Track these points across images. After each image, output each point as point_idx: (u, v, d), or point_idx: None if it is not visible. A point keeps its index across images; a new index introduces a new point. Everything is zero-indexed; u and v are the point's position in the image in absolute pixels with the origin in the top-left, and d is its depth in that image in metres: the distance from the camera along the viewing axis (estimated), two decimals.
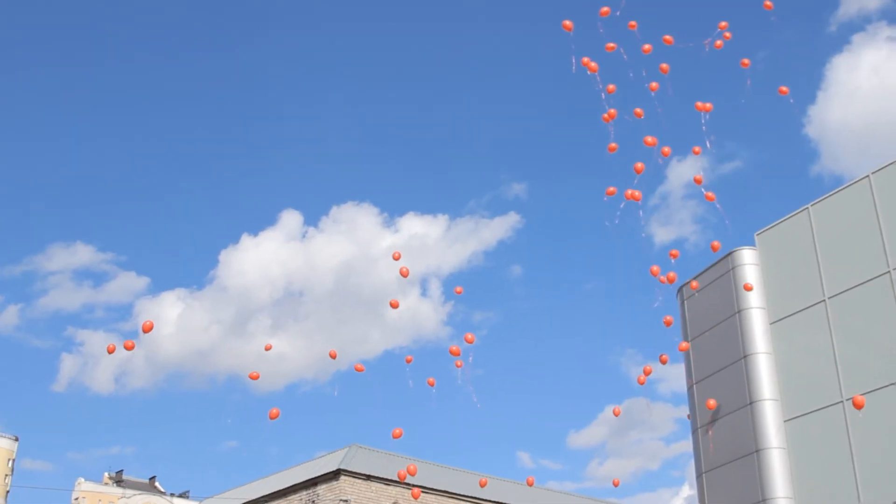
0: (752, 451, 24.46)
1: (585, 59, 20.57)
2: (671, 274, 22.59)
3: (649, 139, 21.06)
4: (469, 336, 22.68)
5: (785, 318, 25.20)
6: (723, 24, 21.92)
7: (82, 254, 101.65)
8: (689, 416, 27.93)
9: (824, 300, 24.26)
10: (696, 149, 22.23)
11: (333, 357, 23.21)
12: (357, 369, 22.73)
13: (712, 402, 24.72)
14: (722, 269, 26.92)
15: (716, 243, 23.84)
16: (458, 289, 25.88)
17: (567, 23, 20.33)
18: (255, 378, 23.03)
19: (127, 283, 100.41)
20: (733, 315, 26.06)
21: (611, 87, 20.83)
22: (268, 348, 24.41)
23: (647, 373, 22.66)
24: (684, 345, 23.87)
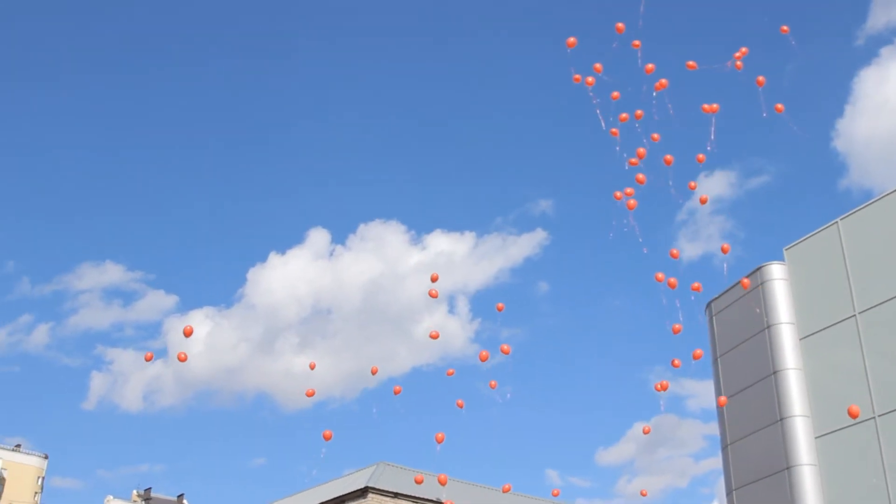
0: (782, 469, 24.22)
1: (590, 79, 20.71)
2: (672, 280, 22.57)
3: (668, 157, 21.19)
4: (505, 347, 22.92)
5: (815, 333, 24.98)
6: (744, 49, 22.02)
7: (112, 273, 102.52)
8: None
9: (854, 315, 24.03)
10: (700, 156, 22.26)
11: (374, 373, 24.01)
12: (395, 391, 23.25)
13: (723, 399, 24.11)
14: (751, 285, 26.71)
15: (745, 280, 23.78)
16: (500, 305, 25.98)
17: (571, 40, 20.58)
18: (310, 395, 23.85)
19: (156, 302, 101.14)
20: (762, 331, 25.85)
21: (615, 94, 20.89)
22: (312, 367, 25.20)
23: (663, 387, 22.68)
24: (699, 352, 23.60)
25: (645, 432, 27.02)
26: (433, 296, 23.56)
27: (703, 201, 22.39)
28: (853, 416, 19.99)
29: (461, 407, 23.11)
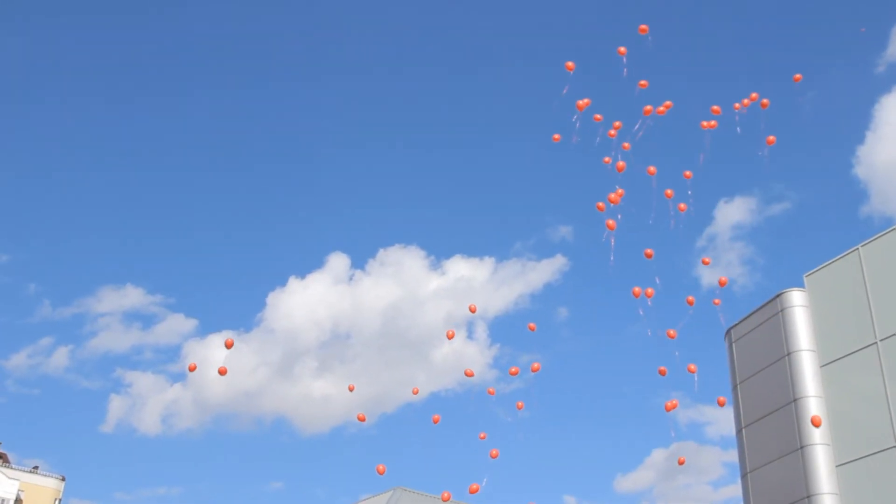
0: (803, 497, 23.94)
1: (598, 116, 21.19)
2: (649, 290, 22.77)
3: (669, 192, 21.80)
4: (535, 365, 23.35)
5: (835, 360, 24.76)
6: (753, 94, 22.54)
7: (132, 296, 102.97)
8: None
9: (876, 342, 23.81)
10: (687, 173, 22.60)
11: (416, 392, 25.03)
12: (434, 420, 24.04)
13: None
14: (771, 311, 26.55)
15: (648, 251, 23.52)
16: (532, 325, 26.44)
17: (569, 64, 21.09)
18: (362, 420, 25.22)
19: (175, 325, 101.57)
20: (783, 358, 25.65)
21: (617, 124, 21.39)
22: (351, 389, 26.88)
23: (671, 407, 22.79)
24: (692, 367, 23.48)
25: (680, 463, 26.60)
26: (450, 336, 24.25)
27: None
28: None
29: (483, 439, 23.53)
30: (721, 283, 24.00)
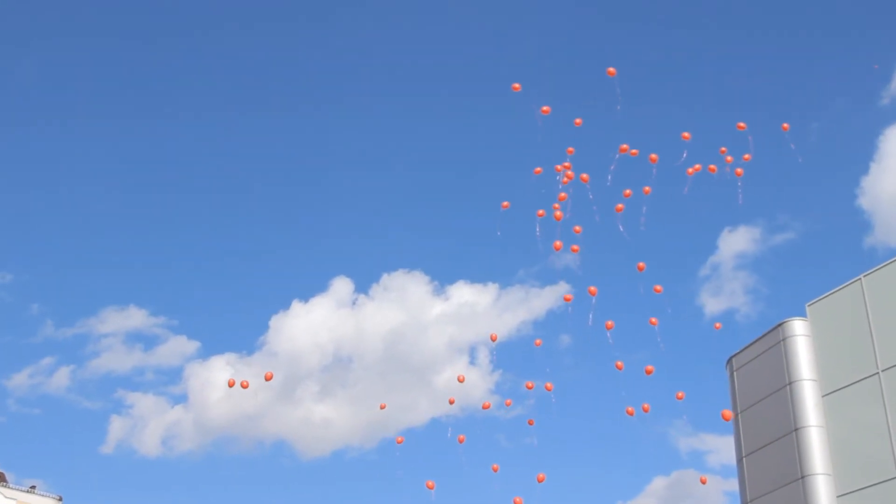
0: None
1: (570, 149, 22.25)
2: (644, 406, 23.90)
3: (641, 265, 23.17)
4: (548, 385, 23.96)
5: (837, 390, 24.69)
6: (722, 149, 23.69)
7: (135, 317, 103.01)
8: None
9: (878, 373, 23.76)
10: (647, 188, 23.28)
11: (452, 402, 25.60)
12: (460, 440, 24.78)
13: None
14: (772, 340, 26.51)
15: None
16: (538, 341, 27.06)
17: (545, 108, 22.02)
18: (399, 442, 26.64)
19: (177, 347, 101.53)
20: (784, 387, 25.58)
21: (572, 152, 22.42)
22: (382, 407, 28.04)
23: (632, 412, 23.60)
24: (649, 368, 23.87)
25: (702, 482, 27.31)
26: (461, 380, 25.08)
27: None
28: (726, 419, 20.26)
29: (496, 471, 24.18)
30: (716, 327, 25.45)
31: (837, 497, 23.73)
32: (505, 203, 22.74)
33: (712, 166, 23.23)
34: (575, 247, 23.26)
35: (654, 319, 23.31)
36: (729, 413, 23.18)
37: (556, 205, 22.50)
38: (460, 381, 25.49)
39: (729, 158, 22.82)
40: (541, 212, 22.42)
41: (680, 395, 22.74)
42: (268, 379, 23.10)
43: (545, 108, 22.02)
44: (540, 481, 22.79)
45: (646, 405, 23.05)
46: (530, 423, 23.96)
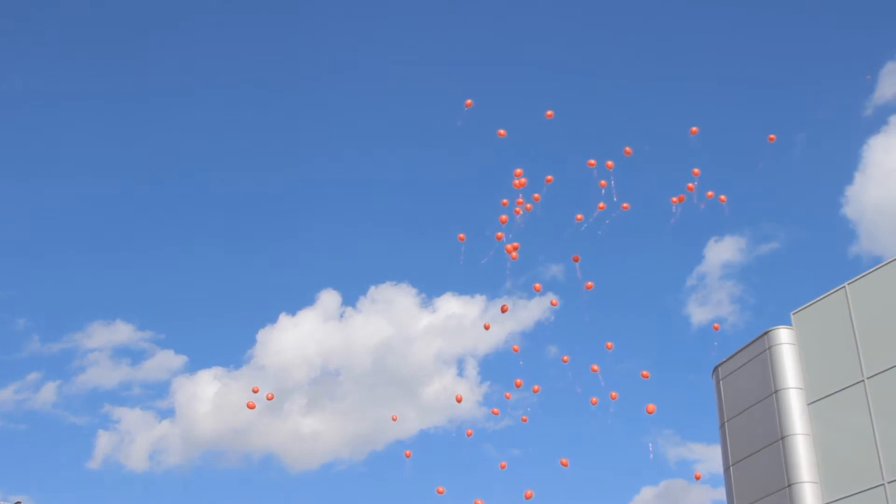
0: None
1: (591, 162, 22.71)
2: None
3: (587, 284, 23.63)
4: (536, 387, 24.34)
5: (823, 398, 24.74)
6: (695, 170, 24.31)
7: (122, 332, 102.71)
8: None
9: (863, 380, 23.82)
10: (625, 205, 23.82)
11: (395, 419, 26.62)
12: (406, 455, 25.61)
13: None
14: (758, 349, 26.56)
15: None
16: (516, 347, 27.52)
17: (501, 131, 22.78)
18: (407, 456, 27.40)
19: (164, 361, 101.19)
20: (770, 395, 25.62)
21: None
22: (394, 419, 28.91)
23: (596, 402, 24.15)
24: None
25: (696, 478, 28.40)
26: (458, 400, 25.62)
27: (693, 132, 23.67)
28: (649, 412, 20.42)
29: (503, 468, 24.95)
30: (715, 328, 25.71)
31: None
32: (461, 235, 23.58)
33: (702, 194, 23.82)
34: (576, 256, 23.81)
35: (645, 373, 24.24)
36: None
37: (519, 202, 23.16)
38: (458, 400, 26.09)
39: (709, 193, 23.41)
40: (499, 234, 23.12)
41: (651, 408, 23.08)
42: (269, 399, 24.02)
43: (468, 101, 22.95)
44: (528, 498, 22.92)
45: (613, 393, 23.35)
46: (524, 420, 24.43)
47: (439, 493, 24.40)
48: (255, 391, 23.76)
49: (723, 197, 24.01)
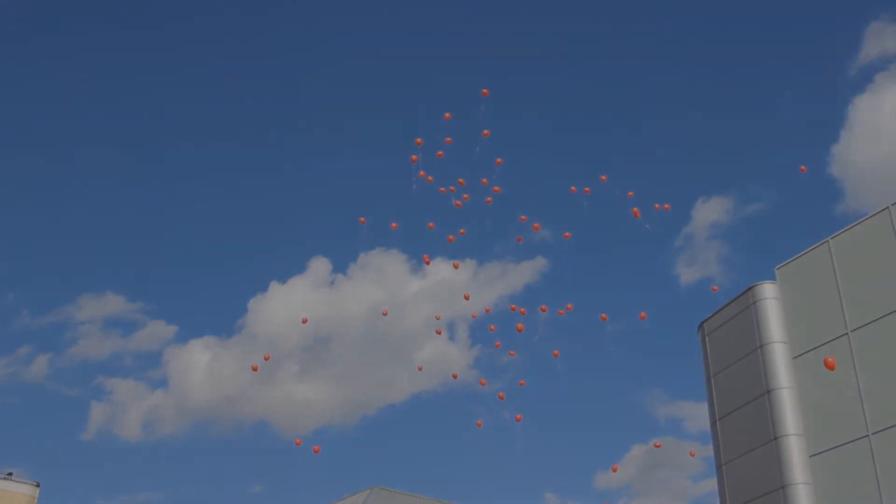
0: (777, 488, 24.09)
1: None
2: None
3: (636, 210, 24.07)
4: (520, 379, 24.92)
5: (807, 352, 24.92)
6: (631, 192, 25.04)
7: (112, 304, 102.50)
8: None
9: (847, 333, 23.98)
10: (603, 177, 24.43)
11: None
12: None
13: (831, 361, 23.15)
14: (742, 304, 26.70)
15: None
16: (513, 306, 28.08)
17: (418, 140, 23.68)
18: (462, 403, 28.44)
19: (156, 332, 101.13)
20: (755, 350, 25.80)
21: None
22: (420, 369, 30.00)
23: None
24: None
25: (656, 446, 28.69)
26: (454, 377, 26.74)
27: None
28: (829, 366, 20.31)
29: (480, 426, 25.59)
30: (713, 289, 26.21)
31: (810, 457, 24.01)
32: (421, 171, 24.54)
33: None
34: (536, 225, 24.48)
35: (604, 315, 25.02)
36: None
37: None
38: (454, 377, 27.47)
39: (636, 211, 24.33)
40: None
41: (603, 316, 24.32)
42: (266, 359, 25.85)
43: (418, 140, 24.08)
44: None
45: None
46: (500, 397, 24.98)
47: (517, 420, 24.64)
48: (254, 369, 25.12)
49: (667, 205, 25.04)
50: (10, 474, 45.60)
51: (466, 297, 27.95)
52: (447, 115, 24.27)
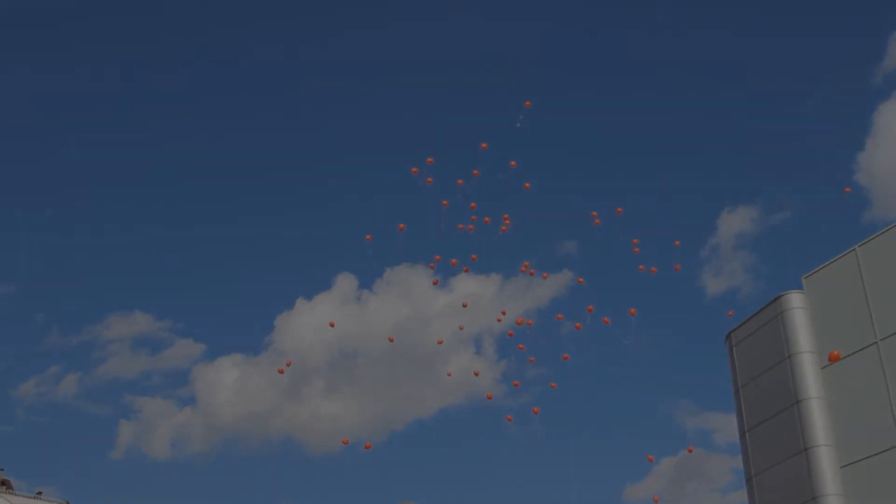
0: (808, 499, 23.82)
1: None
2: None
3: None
4: (566, 356, 25.45)
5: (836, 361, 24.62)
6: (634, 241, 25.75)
7: (141, 322, 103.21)
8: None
9: (876, 342, 23.72)
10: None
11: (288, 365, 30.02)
12: (488, 397, 27.87)
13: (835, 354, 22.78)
14: (770, 314, 26.47)
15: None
16: (560, 315, 28.35)
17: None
18: (491, 414, 30.41)
19: (184, 350, 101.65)
20: (783, 360, 25.56)
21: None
22: (449, 374, 32.16)
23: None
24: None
25: (689, 451, 29.68)
26: (476, 374, 27.48)
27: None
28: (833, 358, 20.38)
29: (510, 420, 26.44)
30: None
31: (840, 468, 23.73)
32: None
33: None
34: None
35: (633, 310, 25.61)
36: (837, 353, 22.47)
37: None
38: (475, 374, 27.92)
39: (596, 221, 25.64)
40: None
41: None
42: (288, 364, 28.76)
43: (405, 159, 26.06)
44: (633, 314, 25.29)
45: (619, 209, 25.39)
46: (508, 419, 26.03)
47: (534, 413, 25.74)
48: (280, 371, 28.61)
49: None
50: (40, 493, 45.90)
51: (503, 313, 29.15)
52: (484, 144, 25.81)
